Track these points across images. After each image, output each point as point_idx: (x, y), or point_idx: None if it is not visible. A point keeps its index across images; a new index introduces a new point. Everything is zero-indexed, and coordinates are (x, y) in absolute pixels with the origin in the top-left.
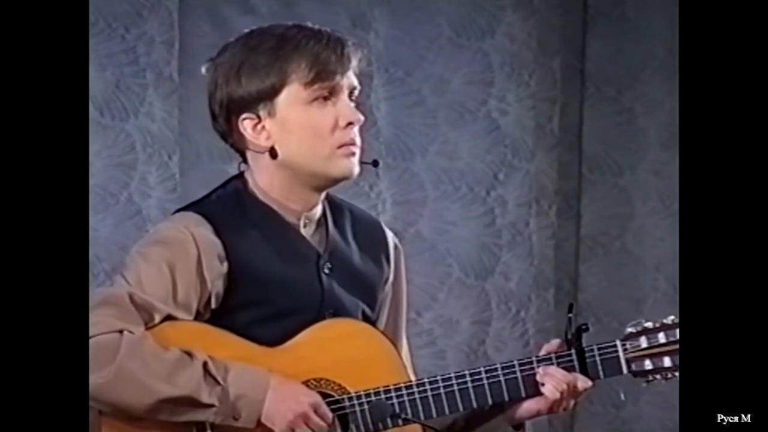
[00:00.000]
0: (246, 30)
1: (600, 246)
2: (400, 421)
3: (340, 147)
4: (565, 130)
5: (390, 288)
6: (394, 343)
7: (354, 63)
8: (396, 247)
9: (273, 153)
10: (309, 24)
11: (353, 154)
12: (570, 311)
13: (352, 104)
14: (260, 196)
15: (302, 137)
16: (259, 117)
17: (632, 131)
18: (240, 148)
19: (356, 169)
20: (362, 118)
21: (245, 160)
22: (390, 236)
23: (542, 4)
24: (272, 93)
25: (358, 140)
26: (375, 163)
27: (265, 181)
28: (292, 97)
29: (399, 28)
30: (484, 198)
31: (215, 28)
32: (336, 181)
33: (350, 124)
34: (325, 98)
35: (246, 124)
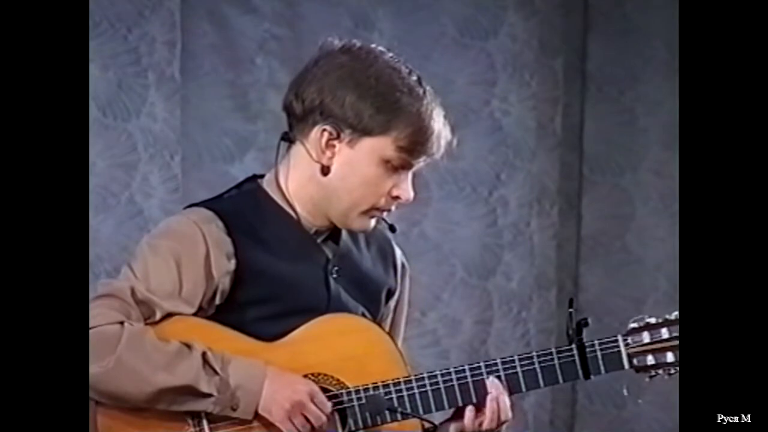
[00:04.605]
0: (375, 46)
1: (601, 246)
2: (397, 415)
3: (375, 209)
4: (567, 130)
5: (393, 306)
6: (394, 339)
7: (440, 153)
8: (403, 265)
9: (325, 171)
10: (430, 89)
11: (379, 216)
12: (570, 306)
13: (411, 180)
14: (277, 198)
15: (358, 185)
16: (339, 137)
17: (633, 131)
18: (294, 137)
19: (371, 227)
20: (412, 198)
21: (289, 142)
22: (398, 254)
23: (543, 4)
24: (366, 131)
25: (393, 208)
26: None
27: (294, 184)
28: (378, 146)
29: (402, 29)
30: (487, 198)
31: (217, 28)
32: (349, 229)
33: (399, 198)
34: (398, 167)
35: (324, 134)
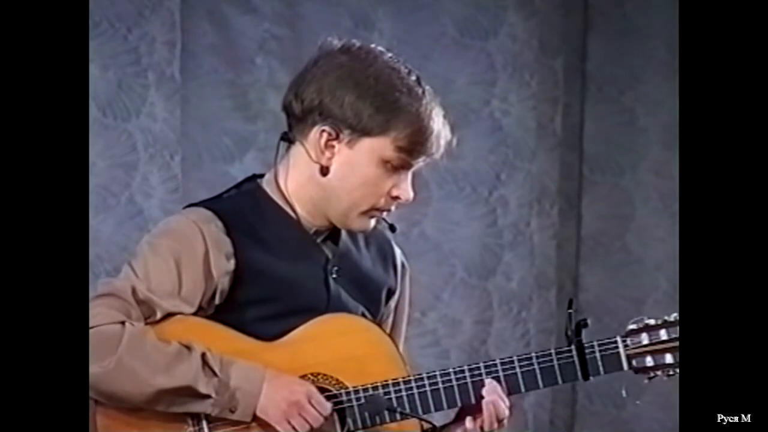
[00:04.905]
0: (374, 46)
1: (601, 246)
2: (397, 416)
3: (375, 210)
4: (567, 130)
5: (393, 306)
6: (394, 339)
7: (439, 153)
8: (403, 265)
9: (325, 171)
10: (429, 88)
11: (379, 216)
12: (570, 307)
13: (410, 180)
14: (276, 198)
15: (358, 185)
16: (338, 137)
17: (633, 131)
18: (293, 138)
19: (371, 227)
20: (412, 198)
21: (288, 142)
22: (398, 253)
23: (543, 4)
24: (365, 131)
25: (392, 208)
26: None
27: (294, 184)
28: (378, 146)
29: (402, 29)
30: (487, 198)
31: (217, 28)
32: (349, 229)
33: (398, 198)
34: (397, 167)
35: (323, 134)
